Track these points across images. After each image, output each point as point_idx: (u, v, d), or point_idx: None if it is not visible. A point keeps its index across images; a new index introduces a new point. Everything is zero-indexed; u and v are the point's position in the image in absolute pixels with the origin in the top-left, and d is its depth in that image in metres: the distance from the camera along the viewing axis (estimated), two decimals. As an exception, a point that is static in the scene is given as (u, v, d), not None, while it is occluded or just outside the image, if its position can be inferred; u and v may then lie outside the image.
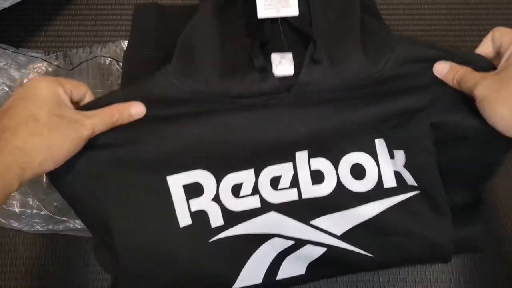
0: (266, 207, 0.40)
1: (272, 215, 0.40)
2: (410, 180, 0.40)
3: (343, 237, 0.40)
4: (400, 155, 0.40)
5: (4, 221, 0.48)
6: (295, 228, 0.40)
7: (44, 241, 0.49)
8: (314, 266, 0.41)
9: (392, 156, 0.40)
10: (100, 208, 0.37)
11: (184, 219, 0.39)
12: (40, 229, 0.48)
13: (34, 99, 0.33)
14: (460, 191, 0.41)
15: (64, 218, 0.48)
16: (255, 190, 0.40)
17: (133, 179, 0.38)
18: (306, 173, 0.40)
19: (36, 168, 0.32)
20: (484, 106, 0.35)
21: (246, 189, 0.40)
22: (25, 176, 0.32)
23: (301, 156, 0.40)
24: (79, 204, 0.38)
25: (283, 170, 0.40)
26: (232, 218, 0.39)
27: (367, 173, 0.40)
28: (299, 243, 0.40)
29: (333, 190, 0.40)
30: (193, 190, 0.39)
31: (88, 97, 0.38)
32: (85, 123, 0.34)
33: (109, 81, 0.52)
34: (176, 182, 0.39)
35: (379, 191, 0.40)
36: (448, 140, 0.39)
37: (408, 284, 0.48)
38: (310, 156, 0.40)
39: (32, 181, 0.48)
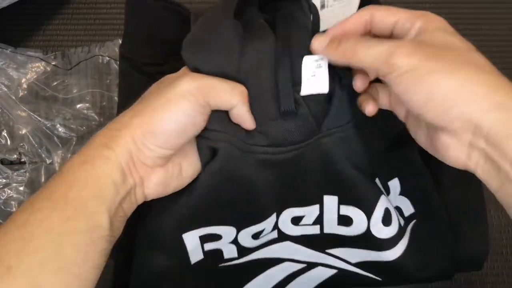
0: (282, 238, 0.38)
1: (287, 243, 0.39)
2: (408, 208, 0.39)
3: (357, 265, 0.39)
4: (394, 183, 0.39)
5: (2, 222, 0.48)
6: (309, 255, 0.39)
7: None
8: (320, 287, 0.41)
9: (388, 191, 0.39)
10: None
11: (196, 257, 0.37)
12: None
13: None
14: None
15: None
16: (274, 227, 0.38)
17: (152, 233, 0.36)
18: (333, 216, 0.37)
19: (152, 131, 0.30)
20: (413, 79, 0.26)
21: (266, 231, 0.38)
22: (146, 142, 0.30)
23: (330, 200, 0.37)
24: None
25: (307, 211, 0.37)
26: (246, 251, 0.38)
27: (392, 218, 0.37)
28: (310, 266, 0.40)
29: (360, 235, 0.38)
30: (209, 238, 0.37)
31: (238, 109, 0.32)
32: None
33: (108, 81, 0.52)
34: (192, 236, 0.36)
35: (400, 233, 0.38)
36: None
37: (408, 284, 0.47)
38: (340, 202, 0.37)
39: (29, 182, 0.48)
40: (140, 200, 0.32)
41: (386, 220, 0.37)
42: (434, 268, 0.40)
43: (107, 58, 0.52)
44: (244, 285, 0.40)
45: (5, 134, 0.50)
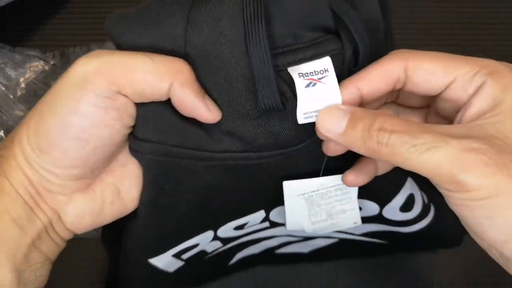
0: (276, 225, 0.33)
1: (281, 227, 0.33)
2: None
3: (362, 235, 0.37)
4: None
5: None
6: (308, 233, 0.37)
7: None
8: (318, 251, 0.39)
9: None
10: None
11: (175, 267, 0.33)
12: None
13: None
14: None
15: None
16: (265, 220, 0.32)
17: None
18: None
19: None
20: (492, 208, 0.18)
21: (252, 223, 0.31)
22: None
23: None
24: None
25: None
26: (232, 239, 0.34)
27: (415, 202, 0.33)
28: (307, 238, 0.37)
29: (370, 216, 0.33)
30: (185, 251, 0.31)
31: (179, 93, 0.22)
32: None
33: (107, 80, 0.52)
34: (162, 259, 0.31)
35: (424, 212, 0.35)
36: None
37: (410, 284, 0.47)
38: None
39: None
40: (67, 236, 0.25)
41: (407, 206, 0.32)
42: (447, 235, 0.38)
43: (107, 58, 0.52)
44: (234, 255, 0.37)
45: (3, 134, 0.50)
